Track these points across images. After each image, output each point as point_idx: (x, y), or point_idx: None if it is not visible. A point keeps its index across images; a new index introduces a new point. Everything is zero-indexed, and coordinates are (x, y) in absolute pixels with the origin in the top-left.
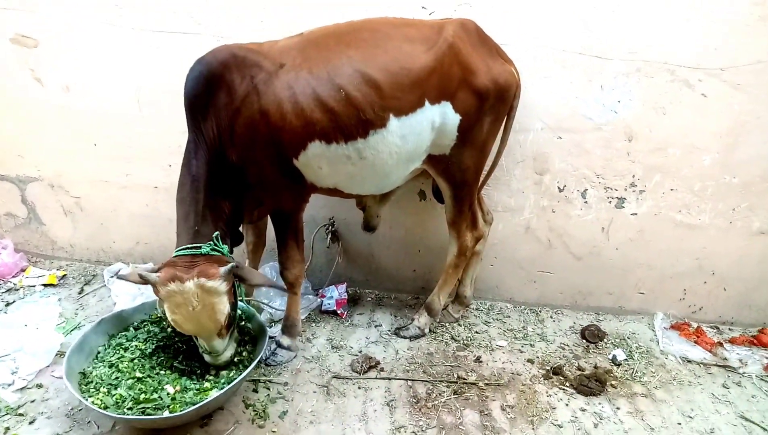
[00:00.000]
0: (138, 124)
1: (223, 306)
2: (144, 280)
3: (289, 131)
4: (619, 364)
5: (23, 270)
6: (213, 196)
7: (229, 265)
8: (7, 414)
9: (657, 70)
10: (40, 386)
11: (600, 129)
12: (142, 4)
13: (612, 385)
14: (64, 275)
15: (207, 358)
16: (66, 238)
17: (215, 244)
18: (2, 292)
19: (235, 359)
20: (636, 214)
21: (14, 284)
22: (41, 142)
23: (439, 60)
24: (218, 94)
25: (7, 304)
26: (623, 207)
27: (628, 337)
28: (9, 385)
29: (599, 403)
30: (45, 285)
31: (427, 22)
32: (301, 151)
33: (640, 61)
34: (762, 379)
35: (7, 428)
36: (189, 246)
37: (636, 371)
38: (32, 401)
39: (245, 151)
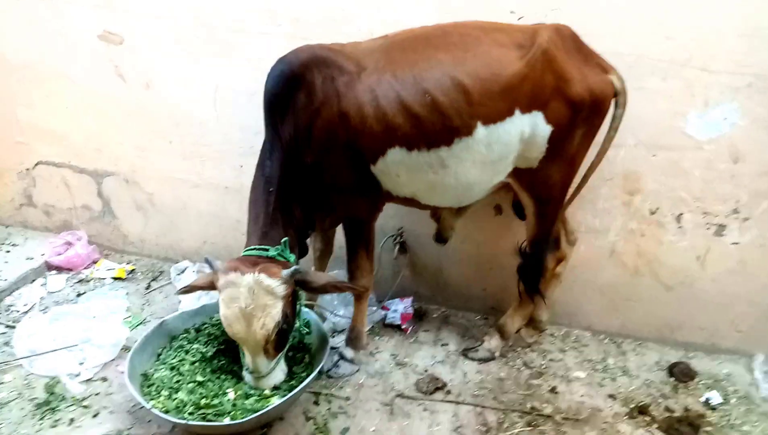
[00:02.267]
0: (213, 124)
1: (276, 312)
2: (209, 266)
3: (369, 136)
4: (713, 409)
5: (95, 262)
6: (285, 200)
7: (293, 269)
8: (73, 405)
9: None
10: (104, 380)
11: (701, 148)
12: (223, 4)
13: (706, 432)
14: (133, 270)
15: (248, 378)
16: (137, 233)
17: (282, 250)
18: (74, 283)
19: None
20: (738, 243)
21: (86, 275)
22: (119, 138)
23: (532, 67)
24: (298, 95)
25: (78, 295)
26: (723, 235)
27: (723, 379)
28: (76, 375)
29: None
30: (114, 278)
31: (520, 26)
32: (379, 157)
33: (751, 75)
34: None
35: (72, 419)
36: (256, 247)
37: (734, 418)
38: (96, 394)
39: (322, 155)
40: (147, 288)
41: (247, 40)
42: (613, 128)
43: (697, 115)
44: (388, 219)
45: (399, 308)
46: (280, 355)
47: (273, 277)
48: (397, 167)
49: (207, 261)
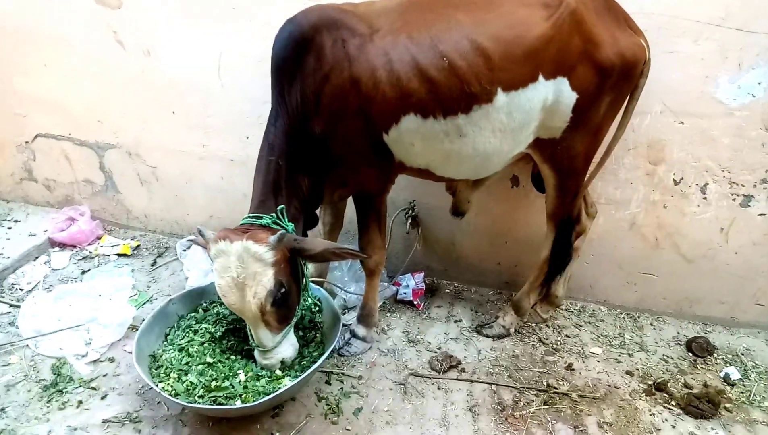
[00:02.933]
0: (217, 93)
1: (267, 280)
2: (201, 236)
3: (382, 102)
4: (733, 384)
5: (99, 238)
6: (290, 169)
7: (279, 234)
8: (80, 386)
9: None
10: (112, 360)
11: (732, 114)
12: None
13: (726, 408)
14: (138, 246)
15: (256, 355)
16: (141, 208)
17: (278, 218)
18: (78, 260)
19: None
20: (765, 214)
21: (90, 252)
22: (121, 108)
23: (559, 29)
24: (307, 58)
25: (83, 272)
26: (749, 206)
27: (742, 354)
28: (83, 356)
29: (712, 428)
30: (119, 255)
31: None
32: (393, 124)
33: None
34: None
35: (80, 401)
36: (251, 215)
37: (754, 394)
38: (104, 375)
39: (331, 123)
40: (153, 264)
41: (253, 1)
42: (634, 98)
43: (729, 79)
44: (400, 191)
45: (411, 284)
46: (286, 328)
47: (260, 244)
48: (411, 136)
49: (198, 231)
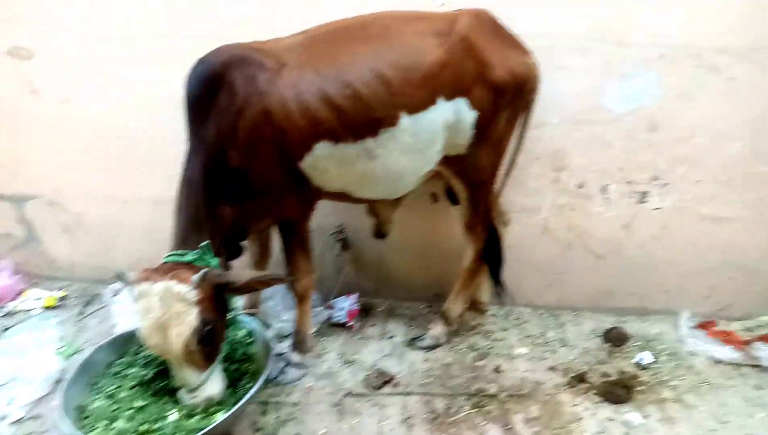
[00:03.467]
0: (139, 135)
1: (191, 319)
2: (121, 279)
3: (294, 132)
4: (645, 368)
5: (21, 292)
6: (210, 203)
7: (202, 272)
8: None
9: (681, 55)
10: (37, 417)
11: (621, 120)
12: (138, 12)
13: (640, 391)
14: (65, 296)
15: (181, 394)
16: (66, 257)
17: (202, 254)
18: (0, 317)
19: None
20: (660, 208)
21: (12, 308)
22: (39, 158)
23: (452, 54)
24: (220, 95)
25: (5, 330)
26: (646, 202)
27: (653, 339)
28: (3, 417)
29: (627, 411)
30: (44, 308)
31: (440, 14)
32: (306, 152)
33: (663, 46)
34: None
35: None
36: (174, 253)
37: (664, 375)
38: (30, 434)
39: (248, 155)
40: (80, 314)
41: (168, 44)
42: (529, 111)
43: (615, 88)
44: (326, 216)
45: (344, 306)
46: (212, 366)
47: (183, 283)
48: (325, 162)
49: (118, 275)
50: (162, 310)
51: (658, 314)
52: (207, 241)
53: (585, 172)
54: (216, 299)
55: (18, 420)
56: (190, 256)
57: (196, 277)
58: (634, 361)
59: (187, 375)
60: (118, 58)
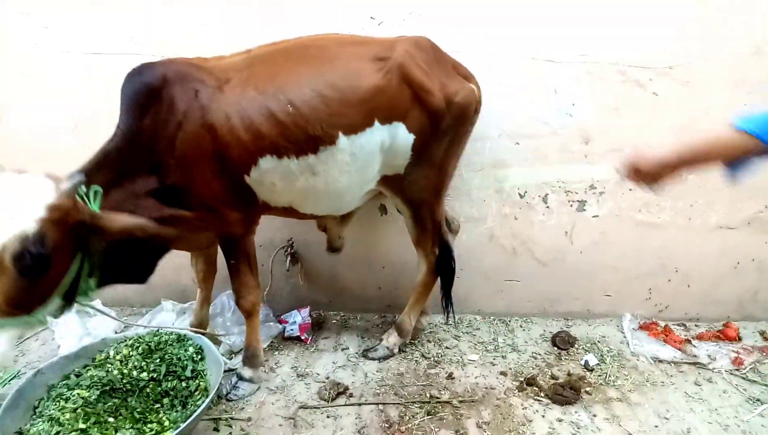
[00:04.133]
0: (77, 151)
1: (29, 219)
2: None
3: (239, 146)
4: (591, 370)
5: None
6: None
7: (74, 184)
8: None
9: (608, 71)
10: None
11: (556, 133)
12: (76, 28)
13: (587, 392)
14: None
15: None
16: None
17: (89, 194)
18: None
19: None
20: (597, 216)
21: None
22: None
23: (389, 80)
24: (158, 108)
25: None
26: (585, 210)
27: (598, 341)
28: None
29: (575, 412)
30: None
31: (378, 40)
32: (252, 166)
33: (590, 63)
34: (731, 374)
35: None
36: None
37: (609, 375)
38: None
39: (188, 169)
40: (20, 337)
41: (105, 61)
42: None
43: (549, 103)
44: (276, 231)
45: (297, 319)
46: (16, 319)
47: (49, 180)
48: (271, 176)
49: None
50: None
51: (602, 317)
52: (99, 188)
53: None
54: (72, 238)
55: None
56: (76, 180)
57: (65, 185)
58: (581, 362)
59: None
60: (54, 75)
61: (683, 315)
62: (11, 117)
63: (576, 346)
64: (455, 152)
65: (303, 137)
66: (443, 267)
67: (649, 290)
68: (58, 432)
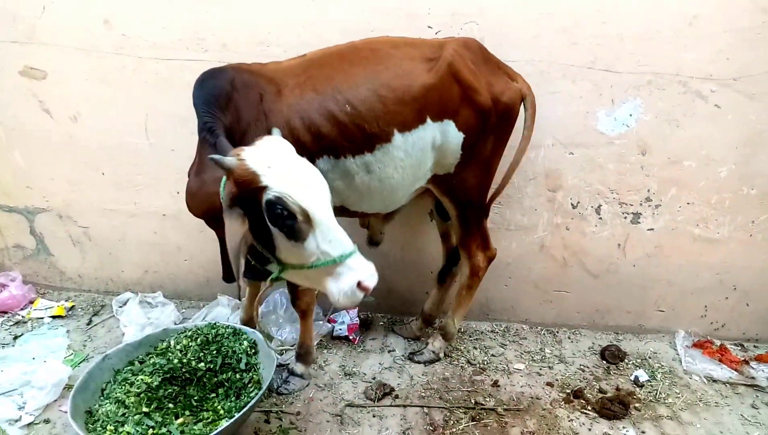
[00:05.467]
0: (145, 152)
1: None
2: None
3: (299, 147)
4: (641, 386)
5: (31, 302)
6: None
7: None
8: None
9: (668, 82)
10: (47, 422)
11: (612, 143)
12: (149, 35)
13: (636, 408)
14: (73, 306)
15: (354, 262)
16: (74, 269)
17: None
18: (10, 325)
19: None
20: (653, 229)
21: (22, 317)
22: (50, 173)
23: (439, 78)
24: (225, 114)
25: (15, 338)
26: (639, 222)
27: (649, 357)
28: (16, 420)
29: (623, 427)
30: (53, 317)
31: (428, 41)
32: None
33: (650, 73)
34: None
35: None
36: None
37: (660, 392)
38: None
39: None
40: (88, 323)
41: (177, 67)
42: (527, 128)
43: (606, 113)
44: None
45: (345, 320)
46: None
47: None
48: (326, 176)
49: (213, 159)
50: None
51: (654, 333)
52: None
53: (579, 192)
54: None
55: (29, 423)
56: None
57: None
58: (631, 378)
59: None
60: (127, 79)
61: (741, 335)
62: (87, 119)
63: (626, 360)
64: (500, 151)
65: (360, 135)
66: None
67: (704, 307)
68: (123, 413)
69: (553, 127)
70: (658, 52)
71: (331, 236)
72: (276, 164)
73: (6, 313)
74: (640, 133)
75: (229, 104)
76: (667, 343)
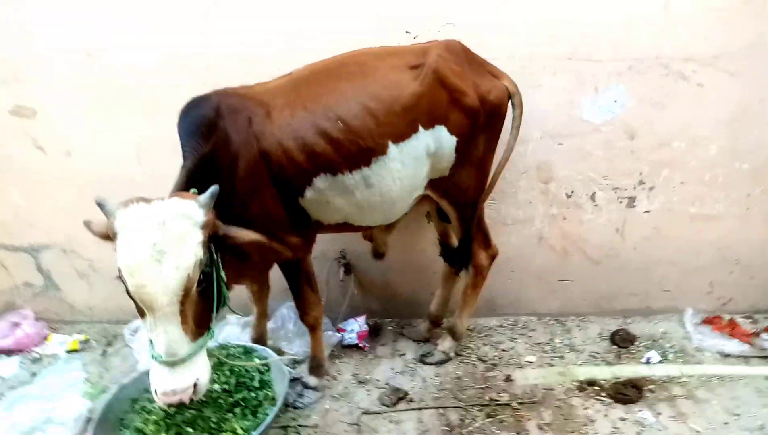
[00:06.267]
0: (140, 178)
1: (197, 244)
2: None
3: (294, 167)
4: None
5: (45, 338)
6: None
7: (211, 191)
8: None
9: (649, 65)
10: None
11: (599, 130)
12: (132, 63)
13: (650, 390)
14: (87, 339)
15: (157, 377)
16: (84, 301)
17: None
18: (27, 363)
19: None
20: (649, 211)
21: (38, 354)
22: (50, 209)
23: (426, 86)
24: (215, 141)
25: (33, 375)
26: (635, 206)
27: (659, 338)
28: None
29: (639, 410)
30: (68, 351)
31: (411, 48)
32: (306, 187)
33: (630, 59)
34: None
35: None
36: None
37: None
38: None
39: (250, 200)
40: (103, 354)
41: (162, 91)
42: (515, 127)
43: (590, 101)
44: (328, 243)
45: (354, 328)
46: (202, 339)
47: (188, 199)
48: (325, 194)
49: (98, 204)
50: (159, 232)
51: (662, 313)
52: (217, 188)
53: (572, 181)
54: (209, 249)
55: None
56: (193, 190)
57: (204, 196)
58: (642, 360)
59: (174, 336)
60: (115, 110)
61: (749, 307)
62: (81, 153)
63: (636, 343)
64: (492, 149)
65: (356, 150)
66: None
67: (710, 283)
68: None
69: (539, 120)
70: (636, 37)
71: (152, 330)
72: (129, 240)
73: (21, 351)
74: (626, 119)
75: (213, 132)
76: (676, 322)
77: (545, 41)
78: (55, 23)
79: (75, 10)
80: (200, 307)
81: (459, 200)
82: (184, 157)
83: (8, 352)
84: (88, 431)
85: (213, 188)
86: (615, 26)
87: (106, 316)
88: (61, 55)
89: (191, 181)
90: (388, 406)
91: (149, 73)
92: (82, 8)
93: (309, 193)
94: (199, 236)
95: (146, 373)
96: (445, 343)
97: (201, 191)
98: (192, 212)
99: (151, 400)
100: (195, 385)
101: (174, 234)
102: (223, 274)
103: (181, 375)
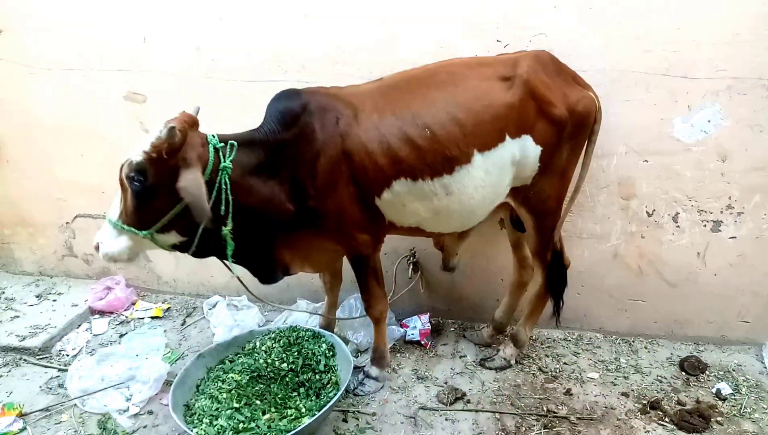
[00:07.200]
0: None
1: (140, 152)
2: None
3: (375, 170)
4: (724, 399)
5: (134, 303)
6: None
7: (184, 120)
8: None
9: (750, 86)
10: (151, 413)
11: (690, 150)
12: (235, 59)
13: (718, 422)
14: (169, 308)
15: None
16: (170, 274)
17: (220, 144)
18: (116, 324)
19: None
20: (735, 237)
21: (126, 317)
22: None
23: (516, 96)
24: (297, 132)
25: (121, 335)
26: (720, 230)
27: (733, 370)
28: (124, 411)
29: None
30: (152, 317)
31: (501, 58)
32: (385, 188)
33: (729, 78)
34: None
35: None
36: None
37: (745, 407)
38: (144, 427)
39: (328, 194)
40: (182, 324)
41: (259, 88)
42: (591, 142)
43: (683, 119)
44: (400, 241)
45: (417, 325)
46: (135, 230)
47: (171, 123)
48: (402, 198)
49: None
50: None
51: (738, 344)
52: (236, 144)
53: (655, 200)
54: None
55: (136, 414)
56: (194, 111)
57: (171, 123)
58: (712, 390)
59: (112, 208)
60: (217, 101)
61: None
62: None
63: (707, 372)
64: (575, 160)
65: (440, 159)
66: (554, 276)
67: None
68: (217, 408)
69: (625, 134)
70: (737, 56)
71: None
72: None
73: (112, 313)
74: (720, 140)
75: (293, 125)
76: (753, 355)
77: (639, 56)
78: (169, 16)
79: (187, 4)
80: (133, 203)
81: (538, 209)
82: (260, 127)
83: (101, 313)
84: (167, 392)
85: (183, 120)
86: (716, 44)
87: (188, 289)
88: (172, 48)
89: (256, 148)
90: (445, 404)
91: (248, 70)
92: (193, 4)
93: (386, 194)
94: (145, 146)
95: (222, 345)
96: (507, 350)
97: (274, 173)
98: (160, 133)
99: (226, 371)
100: (98, 246)
101: (140, 143)
102: (202, 210)
103: (102, 233)
